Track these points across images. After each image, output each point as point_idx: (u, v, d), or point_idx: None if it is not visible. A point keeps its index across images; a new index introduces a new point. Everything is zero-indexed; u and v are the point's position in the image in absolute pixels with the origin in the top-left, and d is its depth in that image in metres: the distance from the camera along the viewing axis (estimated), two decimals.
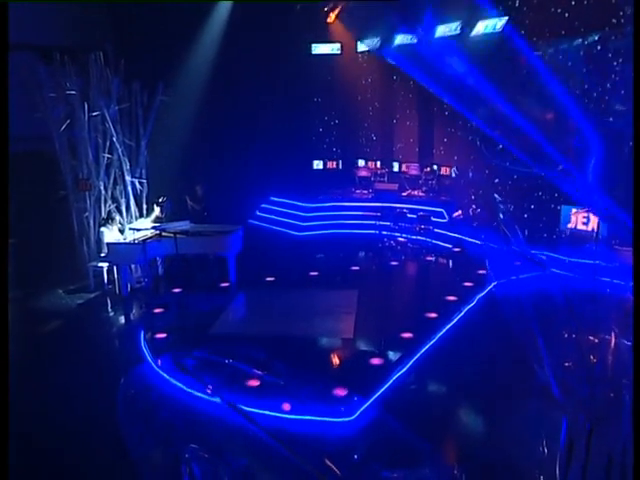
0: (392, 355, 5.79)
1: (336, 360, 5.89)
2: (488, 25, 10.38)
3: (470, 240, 10.42)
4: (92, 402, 5.14)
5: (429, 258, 9.97)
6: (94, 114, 8.67)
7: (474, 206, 10.53)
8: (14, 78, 10.07)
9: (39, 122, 9.01)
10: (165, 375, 5.47)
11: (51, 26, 10.59)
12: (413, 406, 4.65)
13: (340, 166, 14.89)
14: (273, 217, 12.95)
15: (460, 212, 10.96)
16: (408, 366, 5.42)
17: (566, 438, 1.70)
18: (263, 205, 13.49)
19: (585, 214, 8.62)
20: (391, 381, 5.12)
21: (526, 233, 9.91)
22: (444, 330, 6.28)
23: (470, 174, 10.19)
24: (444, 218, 11.67)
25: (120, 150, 8.97)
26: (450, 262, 9.84)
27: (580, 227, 9.21)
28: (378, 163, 14.20)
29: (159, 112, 9.54)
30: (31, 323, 7.47)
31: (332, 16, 14.23)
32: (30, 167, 9.52)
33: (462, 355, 5.66)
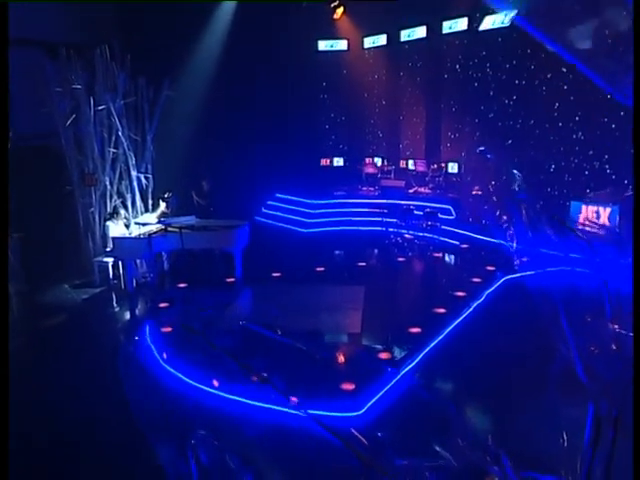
0: (399, 350, 5.72)
1: (344, 355, 5.82)
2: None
3: (478, 237, 10.36)
4: (96, 396, 5.09)
5: (436, 254, 9.89)
6: (100, 108, 8.65)
7: (493, 182, 10.16)
8: (21, 74, 10.12)
9: (45, 117, 9.00)
10: (171, 369, 5.43)
11: (57, 22, 10.58)
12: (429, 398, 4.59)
13: (346, 163, 14.84)
14: (279, 214, 12.90)
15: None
16: (417, 360, 5.38)
17: (592, 425, 1.64)
18: (269, 202, 13.46)
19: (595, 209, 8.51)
20: (401, 374, 5.08)
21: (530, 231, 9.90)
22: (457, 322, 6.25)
23: (489, 156, 9.90)
24: (451, 215, 11.59)
25: (126, 144, 8.95)
26: (458, 258, 9.76)
27: (589, 224, 9.12)
28: (385, 160, 14.16)
29: (165, 107, 9.52)
30: (36, 317, 7.45)
31: (338, 13, 14.18)
32: (36, 162, 9.52)
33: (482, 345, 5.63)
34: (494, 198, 9.71)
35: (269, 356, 5.34)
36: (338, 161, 14.78)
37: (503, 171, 9.00)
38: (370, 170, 13.70)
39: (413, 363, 5.35)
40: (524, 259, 7.13)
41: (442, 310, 6.79)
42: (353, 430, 2.23)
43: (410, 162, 13.37)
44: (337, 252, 10.25)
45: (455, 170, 12.24)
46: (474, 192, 10.93)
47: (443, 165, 12.52)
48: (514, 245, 6.87)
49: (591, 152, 8.78)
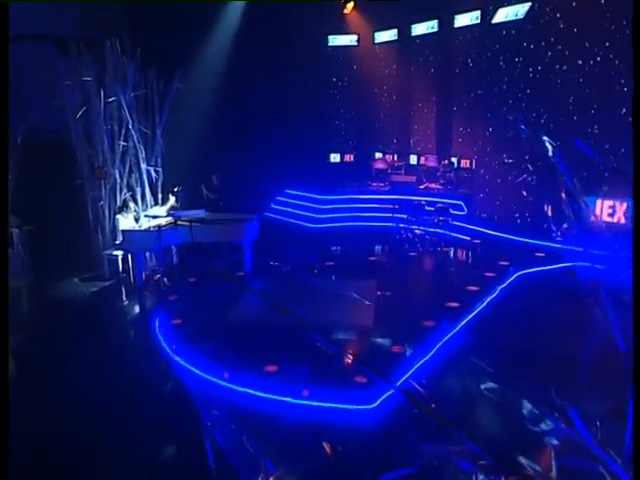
0: (411, 342, 5.63)
1: (356, 348, 5.74)
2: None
3: (490, 232, 10.23)
4: (105, 388, 5.06)
5: (447, 249, 9.78)
6: (110, 100, 8.61)
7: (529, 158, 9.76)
8: (32, 68, 10.15)
9: (56, 111, 9.00)
10: (181, 361, 5.38)
11: (69, 17, 10.59)
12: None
13: (356, 159, 14.75)
14: (289, 210, 12.82)
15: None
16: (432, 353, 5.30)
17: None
18: (278, 198, 13.39)
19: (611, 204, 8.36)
20: (416, 367, 4.99)
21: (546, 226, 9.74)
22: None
23: (522, 127, 9.55)
24: (463, 210, 11.45)
25: (136, 137, 8.91)
26: (470, 254, 9.64)
27: (605, 219, 8.96)
28: (395, 156, 14.05)
29: (175, 101, 9.48)
30: (46, 310, 7.45)
31: (348, 7, 14.08)
32: (47, 155, 9.52)
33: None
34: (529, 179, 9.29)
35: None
36: (348, 157, 14.69)
37: (535, 141, 8.68)
38: (380, 166, 13.59)
39: (432, 352, 5.29)
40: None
41: (455, 304, 6.71)
42: (411, 381, 2.18)
43: (421, 157, 13.26)
44: (347, 247, 10.18)
45: (466, 165, 12.12)
46: (506, 161, 10.47)
47: (454, 160, 12.40)
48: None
49: (607, 146, 8.62)
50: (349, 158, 14.63)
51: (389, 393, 3.80)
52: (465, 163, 12.13)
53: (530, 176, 8.93)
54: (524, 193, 9.46)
